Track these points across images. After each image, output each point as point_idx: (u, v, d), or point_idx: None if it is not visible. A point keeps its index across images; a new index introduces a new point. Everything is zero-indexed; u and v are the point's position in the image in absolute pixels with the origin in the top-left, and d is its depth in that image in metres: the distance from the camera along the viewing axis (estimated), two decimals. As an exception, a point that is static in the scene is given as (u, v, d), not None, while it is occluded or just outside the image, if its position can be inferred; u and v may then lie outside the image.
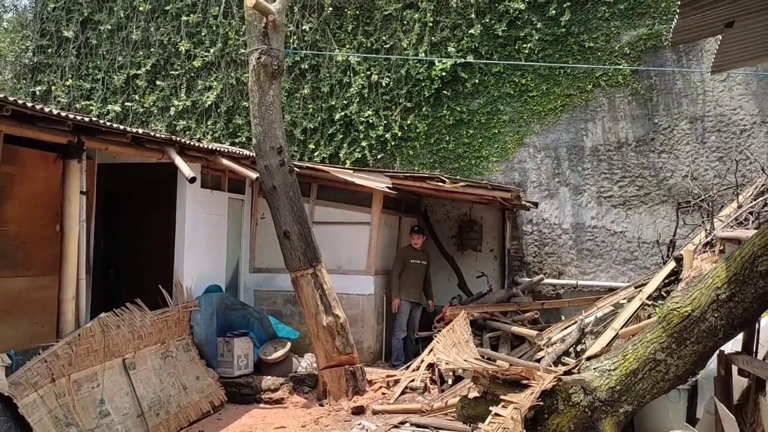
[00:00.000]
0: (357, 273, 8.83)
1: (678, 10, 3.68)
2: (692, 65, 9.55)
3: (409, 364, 8.12)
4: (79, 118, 5.71)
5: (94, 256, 7.34)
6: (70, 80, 12.08)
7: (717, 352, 4.50)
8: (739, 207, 7.53)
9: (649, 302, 6.68)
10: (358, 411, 6.82)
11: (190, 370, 7.03)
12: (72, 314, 5.79)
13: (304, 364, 7.99)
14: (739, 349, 4.56)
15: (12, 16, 13.32)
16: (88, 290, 6.48)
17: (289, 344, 7.94)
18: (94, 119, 5.98)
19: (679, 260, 6.92)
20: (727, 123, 9.37)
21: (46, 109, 5.32)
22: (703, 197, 8.97)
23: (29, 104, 5.12)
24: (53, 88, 12.15)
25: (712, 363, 4.74)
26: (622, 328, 6.37)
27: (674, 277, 6.94)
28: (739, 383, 4.57)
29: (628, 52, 9.70)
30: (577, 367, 4.58)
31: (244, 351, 7.64)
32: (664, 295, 6.70)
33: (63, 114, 5.55)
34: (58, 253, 5.89)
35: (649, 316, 6.37)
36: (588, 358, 4.69)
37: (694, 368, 4.35)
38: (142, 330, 6.43)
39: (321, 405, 7.18)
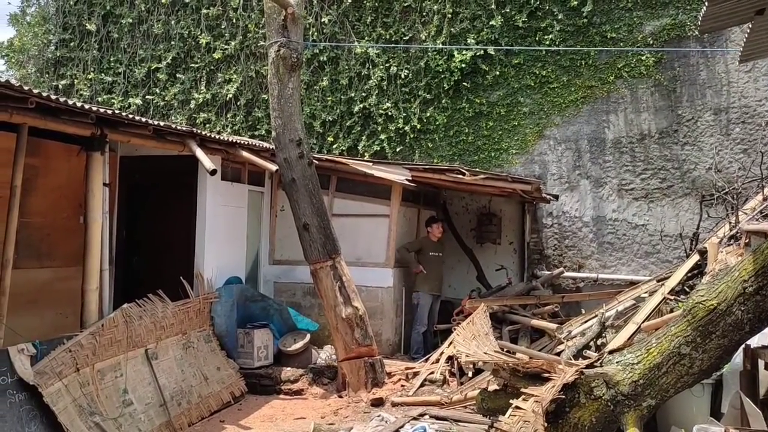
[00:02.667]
0: (376, 265, 8.83)
1: (707, -2, 3.61)
2: (717, 56, 9.39)
3: (428, 356, 8.12)
4: (102, 110, 5.75)
5: (116, 247, 7.43)
6: (92, 74, 12.19)
7: (743, 346, 4.44)
8: (765, 199, 7.40)
9: (672, 296, 6.59)
10: (378, 403, 6.83)
11: (211, 361, 7.10)
12: (95, 305, 5.86)
13: (324, 355, 8.02)
14: (766, 343, 4.49)
15: (35, 11, 13.44)
16: (111, 281, 6.56)
17: (308, 336, 7.97)
18: (116, 112, 6.03)
19: (703, 253, 6.81)
20: (752, 114, 9.21)
21: (70, 102, 5.36)
22: (727, 190, 8.82)
23: (53, 97, 5.17)
24: (75, 81, 12.27)
25: (738, 357, 4.69)
26: (644, 321, 6.29)
27: (697, 271, 6.84)
28: (766, 378, 4.51)
29: (651, 42, 9.55)
30: (600, 361, 4.53)
31: (264, 342, 7.68)
32: (687, 289, 6.61)
33: (86, 106, 5.60)
34: (81, 244, 5.95)
35: (671, 310, 6.29)
36: (610, 352, 4.64)
37: (719, 362, 4.29)
38: (164, 321, 6.49)
39: (340, 396, 7.20)
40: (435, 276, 9.05)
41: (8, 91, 4.71)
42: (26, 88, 4.87)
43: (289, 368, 7.59)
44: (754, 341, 4.58)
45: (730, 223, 7.39)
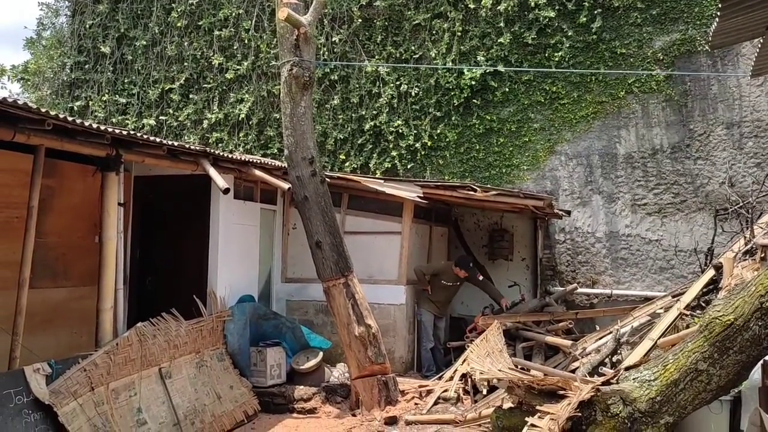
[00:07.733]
0: (388, 282, 8.82)
1: (718, 13, 3.61)
2: (728, 70, 9.37)
3: (441, 374, 8.07)
4: (117, 131, 5.83)
5: (130, 266, 7.48)
6: (106, 95, 12.36)
7: (761, 361, 4.38)
8: (780, 214, 7.34)
9: (688, 312, 6.53)
10: (391, 421, 6.78)
11: (224, 380, 7.09)
12: (110, 324, 5.89)
13: (337, 374, 7.99)
14: (785, 359, 4.43)
15: (50, 34, 13.68)
16: (126, 300, 6.59)
17: (321, 354, 7.95)
18: (131, 132, 6.10)
19: (718, 268, 6.75)
20: (764, 128, 9.16)
21: (86, 123, 5.44)
22: (741, 204, 8.76)
23: (69, 119, 5.24)
24: (90, 103, 12.44)
25: (756, 373, 4.62)
26: (660, 338, 6.23)
27: (713, 286, 6.78)
28: (785, 394, 4.43)
29: (661, 57, 9.56)
30: (616, 378, 4.50)
31: (276, 360, 7.67)
32: (703, 304, 6.55)
33: (102, 128, 5.68)
34: (96, 263, 6.00)
35: (687, 326, 6.23)
36: (626, 369, 4.60)
37: (737, 378, 4.24)
38: (178, 339, 6.51)
39: (353, 415, 7.16)
40: (440, 301, 8.94)
41: (26, 113, 4.79)
42: (43, 110, 4.95)
43: (302, 387, 7.57)
44: (773, 357, 4.52)
45: (744, 237, 7.33)
